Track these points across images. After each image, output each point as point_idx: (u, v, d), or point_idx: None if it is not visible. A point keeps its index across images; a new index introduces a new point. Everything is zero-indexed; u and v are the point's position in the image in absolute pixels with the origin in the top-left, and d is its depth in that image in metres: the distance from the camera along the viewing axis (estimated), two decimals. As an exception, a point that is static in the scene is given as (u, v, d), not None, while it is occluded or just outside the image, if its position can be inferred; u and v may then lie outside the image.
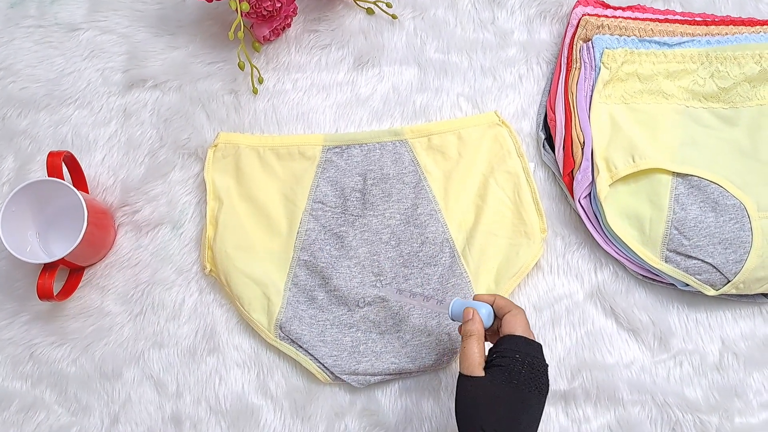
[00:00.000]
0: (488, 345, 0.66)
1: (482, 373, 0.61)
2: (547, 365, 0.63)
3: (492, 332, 0.67)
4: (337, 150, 0.82)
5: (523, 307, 0.78)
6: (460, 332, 0.66)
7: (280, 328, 0.77)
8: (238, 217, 0.80)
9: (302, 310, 0.78)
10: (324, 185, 0.81)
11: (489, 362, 0.62)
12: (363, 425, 0.76)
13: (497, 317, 0.66)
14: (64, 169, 0.80)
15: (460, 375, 0.62)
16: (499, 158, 0.82)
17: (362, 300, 0.78)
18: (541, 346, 0.63)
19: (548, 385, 0.62)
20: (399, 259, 0.79)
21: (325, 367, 0.76)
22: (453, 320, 0.69)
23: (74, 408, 0.78)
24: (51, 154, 0.77)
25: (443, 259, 0.79)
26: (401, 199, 0.81)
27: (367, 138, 0.82)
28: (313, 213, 0.80)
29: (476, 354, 0.62)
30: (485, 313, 0.65)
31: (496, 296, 0.67)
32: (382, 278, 0.79)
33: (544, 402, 0.62)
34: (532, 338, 0.63)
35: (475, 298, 0.69)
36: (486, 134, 0.83)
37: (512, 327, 0.63)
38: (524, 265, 0.78)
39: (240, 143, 0.83)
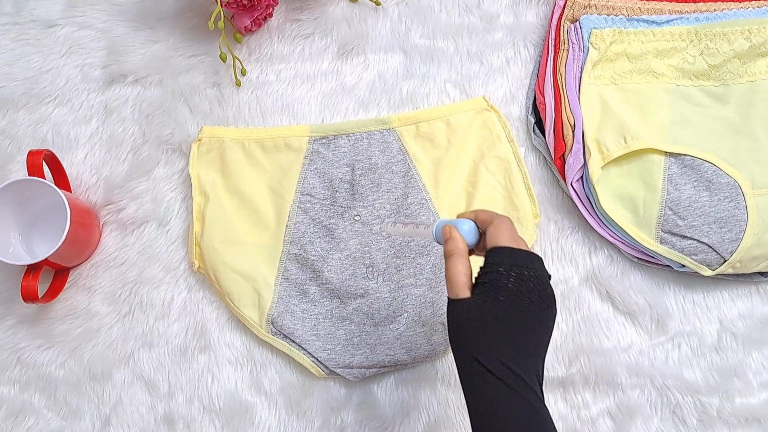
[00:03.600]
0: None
1: (468, 294, 0.55)
2: (547, 274, 0.56)
3: (482, 250, 0.60)
4: (323, 141, 0.81)
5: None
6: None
7: (272, 323, 0.76)
8: (225, 212, 0.79)
9: (294, 304, 0.77)
10: (312, 177, 0.80)
11: (476, 282, 0.56)
12: (359, 419, 0.76)
13: (483, 233, 0.59)
14: (46, 169, 0.79)
15: (448, 301, 0.57)
16: (488, 144, 0.81)
17: (355, 292, 0.77)
18: (534, 255, 0.56)
19: (550, 295, 0.55)
20: (390, 249, 0.78)
21: (319, 361, 0.76)
22: (439, 243, 0.62)
23: (64, 412, 0.77)
24: (31, 153, 0.75)
25: (436, 247, 0.78)
26: (391, 188, 0.80)
27: (354, 128, 0.81)
28: (302, 206, 0.79)
29: (460, 274, 0.56)
30: (466, 230, 0.59)
31: (478, 211, 0.61)
32: (373, 269, 0.78)
33: (549, 314, 0.55)
34: (522, 248, 0.56)
35: (458, 216, 0.62)
36: (475, 120, 0.82)
37: (495, 239, 0.56)
38: (518, 251, 0.77)
39: (224, 137, 0.82)
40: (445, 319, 0.73)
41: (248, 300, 0.77)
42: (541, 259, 0.57)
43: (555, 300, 0.56)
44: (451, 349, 0.58)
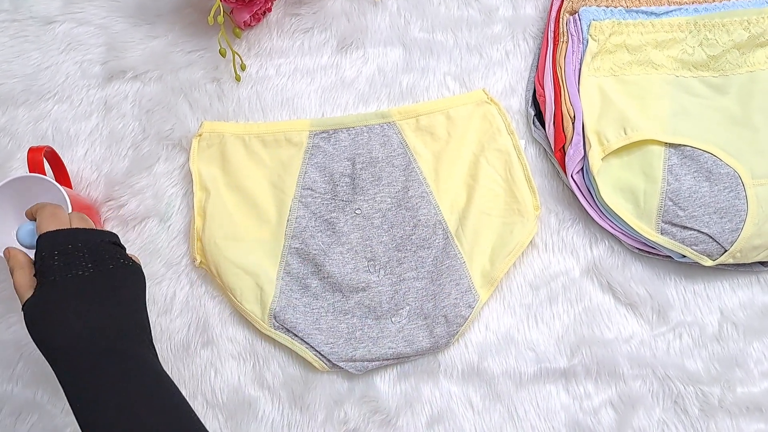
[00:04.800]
0: None
1: (30, 293, 0.55)
2: (106, 240, 0.57)
3: None
4: (324, 135, 0.81)
5: (519, 286, 0.77)
6: None
7: (274, 318, 0.76)
8: (226, 207, 0.79)
9: (296, 298, 0.77)
10: (312, 171, 0.80)
11: None
12: (363, 412, 0.76)
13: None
14: (46, 165, 0.78)
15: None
16: (489, 136, 0.81)
17: (357, 285, 0.77)
18: (78, 229, 0.57)
19: (111, 258, 0.56)
20: (392, 243, 0.78)
21: (321, 354, 0.76)
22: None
23: (68, 408, 0.76)
24: (31, 150, 0.75)
25: (437, 241, 0.78)
26: (391, 182, 0.80)
27: (354, 121, 0.81)
28: (303, 200, 0.79)
29: (21, 285, 0.56)
30: (21, 234, 0.60)
31: (34, 206, 0.60)
32: (375, 263, 0.78)
33: (118, 273, 0.56)
34: (75, 226, 0.57)
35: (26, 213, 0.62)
36: (475, 113, 0.82)
37: (41, 228, 0.57)
38: (519, 243, 0.77)
39: (225, 132, 0.81)
40: (447, 312, 0.74)
41: (250, 295, 0.77)
42: (90, 230, 0.58)
43: (121, 258, 0.58)
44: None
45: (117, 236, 0.61)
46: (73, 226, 0.58)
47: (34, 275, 0.57)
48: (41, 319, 0.54)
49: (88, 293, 0.55)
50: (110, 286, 0.56)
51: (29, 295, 0.55)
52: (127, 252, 0.62)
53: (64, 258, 0.55)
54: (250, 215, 0.80)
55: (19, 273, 0.57)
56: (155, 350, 0.58)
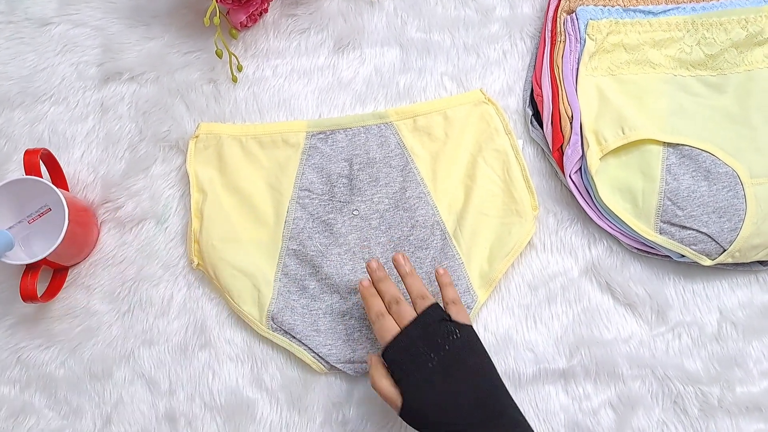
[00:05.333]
0: None
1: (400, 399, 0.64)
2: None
3: None
4: (321, 136, 0.81)
5: (517, 287, 0.77)
6: None
7: (272, 320, 0.76)
8: (224, 209, 0.79)
9: (294, 300, 0.77)
10: (309, 172, 0.80)
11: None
12: (362, 414, 0.75)
13: None
14: (43, 168, 0.78)
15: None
16: (486, 136, 0.81)
17: (355, 286, 0.76)
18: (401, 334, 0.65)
19: (441, 336, 0.64)
20: (390, 244, 0.78)
21: (320, 356, 0.75)
22: None
23: (65, 411, 0.76)
24: (28, 152, 0.75)
25: (434, 242, 0.77)
26: (389, 183, 0.79)
27: (351, 122, 0.81)
28: (300, 201, 0.79)
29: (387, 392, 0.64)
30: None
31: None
32: (373, 264, 0.77)
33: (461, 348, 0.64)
34: None
35: None
36: (472, 113, 0.81)
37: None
38: (517, 243, 0.77)
39: (222, 133, 0.81)
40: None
41: (248, 296, 0.77)
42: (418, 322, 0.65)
43: (450, 334, 0.65)
44: None
45: (438, 305, 0.67)
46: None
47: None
48: (417, 414, 0.62)
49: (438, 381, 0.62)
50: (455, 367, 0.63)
51: (400, 402, 0.62)
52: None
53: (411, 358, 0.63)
54: (247, 217, 0.79)
55: (384, 383, 0.64)
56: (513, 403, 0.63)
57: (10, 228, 0.76)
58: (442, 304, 0.68)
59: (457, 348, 0.63)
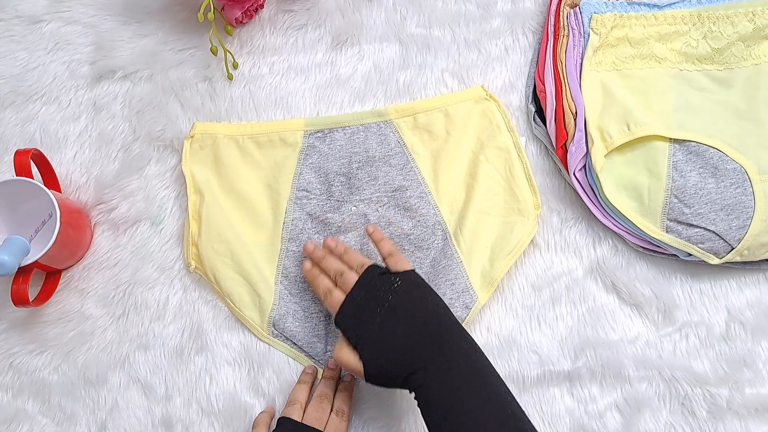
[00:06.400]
0: None
1: None
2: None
3: None
4: (319, 135, 0.79)
5: (521, 288, 0.76)
6: None
7: (274, 326, 0.75)
8: (222, 211, 0.77)
9: (295, 302, 0.76)
10: (307, 172, 0.78)
11: None
12: (363, 418, 0.74)
13: None
14: (34, 169, 0.77)
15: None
16: (488, 134, 0.79)
17: None
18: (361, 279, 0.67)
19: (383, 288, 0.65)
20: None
21: (320, 364, 0.74)
22: None
23: (59, 418, 0.75)
24: (18, 153, 0.74)
25: (435, 242, 0.76)
26: (389, 182, 0.78)
27: (350, 120, 0.79)
28: (298, 201, 0.77)
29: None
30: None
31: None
32: (373, 264, 0.76)
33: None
34: None
35: None
36: (473, 110, 0.80)
37: None
38: (519, 243, 0.76)
39: (217, 133, 0.80)
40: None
41: (249, 301, 0.76)
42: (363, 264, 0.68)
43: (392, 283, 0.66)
44: None
45: (375, 265, 0.68)
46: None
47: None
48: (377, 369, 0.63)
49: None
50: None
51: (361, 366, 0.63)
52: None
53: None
54: (246, 219, 0.78)
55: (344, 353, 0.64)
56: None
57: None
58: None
59: (400, 295, 0.64)
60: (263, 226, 0.78)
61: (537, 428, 0.60)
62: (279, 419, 0.68)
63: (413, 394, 0.61)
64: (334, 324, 0.65)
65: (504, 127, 0.79)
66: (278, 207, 0.77)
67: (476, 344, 0.63)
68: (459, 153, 0.79)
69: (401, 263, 0.67)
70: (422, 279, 0.67)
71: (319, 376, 0.74)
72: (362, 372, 0.63)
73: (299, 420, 0.67)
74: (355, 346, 0.63)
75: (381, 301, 0.63)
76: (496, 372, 0.62)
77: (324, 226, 0.77)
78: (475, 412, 0.58)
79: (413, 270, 0.67)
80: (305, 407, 0.69)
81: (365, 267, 0.67)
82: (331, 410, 0.69)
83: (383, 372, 0.62)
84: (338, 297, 0.66)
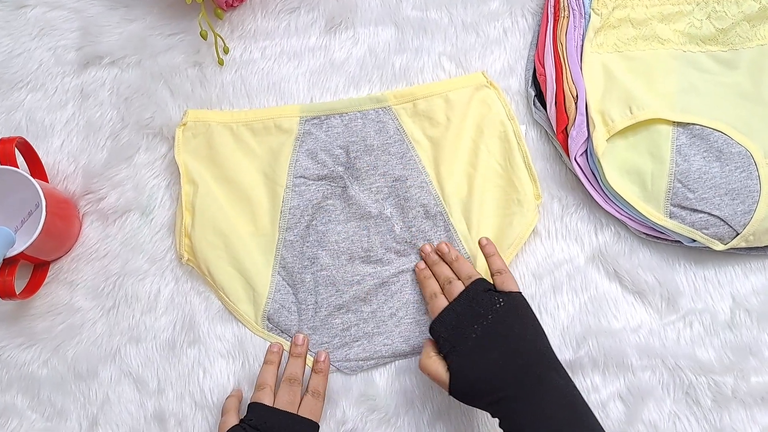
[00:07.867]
0: None
1: None
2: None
3: None
4: (315, 121, 0.77)
5: (521, 276, 0.75)
6: None
7: (268, 320, 0.73)
8: (217, 201, 0.76)
9: (291, 294, 0.74)
10: (304, 159, 0.76)
11: None
12: (361, 411, 0.73)
13: None
14: (20, 158, 0.75)
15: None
16: (488, 122, 0.78)
17: (352, 279, 0.73)
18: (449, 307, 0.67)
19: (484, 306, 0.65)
20: (389, 234, 0.75)
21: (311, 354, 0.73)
22: None
23: (49, 413, 0.74)
24: (2, 141, 0.72)
25: (437, 232, 0.75)
26: (388, 171, 0.76)
27: (347, 106, 0.78)
28: (296, 189, 0.76)
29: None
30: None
31: None
32: (371, 254, 0.74)
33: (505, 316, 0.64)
34: None
35: None
36: (473, 97, 0.78)
37: None
38: (519, 236, 0.75)
39: (211, 120, 0.78)
40: None
41: (243, 295, 0.74)
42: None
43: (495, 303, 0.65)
44: None
45: (483, 279, 0.68)
46: None
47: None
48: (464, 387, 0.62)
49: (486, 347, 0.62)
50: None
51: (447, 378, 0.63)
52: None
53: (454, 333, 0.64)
54: (242, 209, 0.76)
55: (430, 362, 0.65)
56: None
57: None
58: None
59: (501, 316, 0.63)
60: (260, 217, 0.76)
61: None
62: (249, 405, 0.67)
63: (497, 420, 0.60)
64: (429, 331, 0.66)
65: (504, 116, 0.78)
66: (275, 195, 0.76)
67: (571, 380, 0.62)
68: (459, 141, 0.77)
69: (508, 282, 0.67)
70: (526, 303, 0.66)
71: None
72: (447, 383, 0.62)
73: (270, 405, 0.66)
74: (446, 356, 0.63)
75: (480, 318, 0.63)
76: (592, 411, 0.60)
77: (322, 214, 0.75)
78: None
79: (519, 292, 0.66)
80: (275, 390, 0.68)
81: (472, 280, 0.67)
82: (307, 390, 0.69)
83: (469, 389, 0.62)
84: (441, 303, 0.66)
